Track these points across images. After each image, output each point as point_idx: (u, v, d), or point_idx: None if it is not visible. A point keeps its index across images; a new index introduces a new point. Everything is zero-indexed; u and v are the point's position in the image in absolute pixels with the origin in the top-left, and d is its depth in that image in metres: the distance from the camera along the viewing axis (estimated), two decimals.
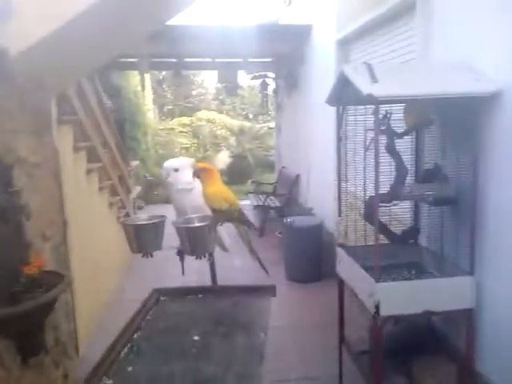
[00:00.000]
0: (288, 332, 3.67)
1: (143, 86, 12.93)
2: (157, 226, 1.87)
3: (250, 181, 10.56)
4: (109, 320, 3.66)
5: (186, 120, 14.51)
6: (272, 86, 8.94)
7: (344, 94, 2.60)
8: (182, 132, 14.08)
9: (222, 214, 1.88)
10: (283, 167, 8.00)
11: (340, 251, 2.79)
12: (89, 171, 4.09)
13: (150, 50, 6.69)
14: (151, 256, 1.83)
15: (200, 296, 1.84)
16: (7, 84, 1.95)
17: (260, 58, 7.93)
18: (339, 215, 2.82)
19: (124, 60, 7.84)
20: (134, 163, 8.46)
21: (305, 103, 6.32)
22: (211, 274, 1.94)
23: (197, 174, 1.86)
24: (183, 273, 2.12)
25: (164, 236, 1.92)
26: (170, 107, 16.96)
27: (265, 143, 13.11)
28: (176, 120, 14.79)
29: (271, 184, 8.36)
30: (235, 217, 1.96)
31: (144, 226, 1.87)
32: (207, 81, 18.23)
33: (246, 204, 7.33)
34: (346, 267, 2.72)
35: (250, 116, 16.66)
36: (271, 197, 7.31)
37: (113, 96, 8.76)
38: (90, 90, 4.48)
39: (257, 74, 8.40)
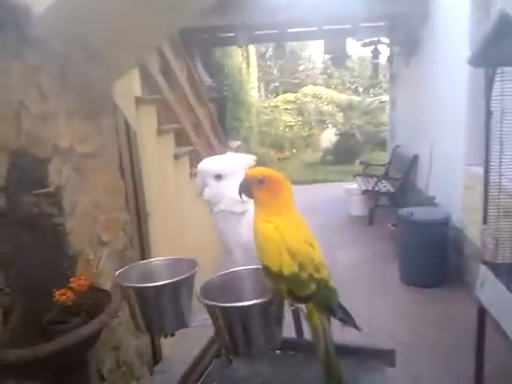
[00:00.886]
0: (406, 355, 2.95)
1: (248, 63, 12.62)
2: (176, 288, 1.08)
3: (358, 161, 9.65)
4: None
5: (290, 96, 13.88)
6: (386, 53, 7.88)
7: (499, 50, 1.78)
8: (286, 109, 13.50)
9: (283, 282, 0.96)
10: (397, 146, 7.01)
11: (484, 270, 2.00)
12: (177, 156, 3.70)
13: (249, 20, 6.19)
14: (172, 335, 1.14)
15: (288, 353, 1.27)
16: (36, 49, 1.52)
17: (371, 21, 6.97)
18: (485, 222, 2.02)
19: (224, 35, 7.46)
20: (236, 143, 8.13)
21: (428, 71, 5.30)
22: (295, 325, 1.10)
23: (246, 188, 1.01)
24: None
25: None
26: (276, 84, 16.43)
27: (376, 119, 11.93)
28: (281, 97, 14.23)
29: (383, 165, 7.42)
30: (312, 294, 0.97)
31: (152, 290, 1.08)
32: (314, 55, 17.32)
33: (353, 188, 6.56)
34: (492, 293, 1.94)
35: (360, 89, 15.44)
36: (383, 180, 6.42)
37: (215, 74, 8.48)
38: (178, 66, 4.10)
39: (368, 41, 7.41)
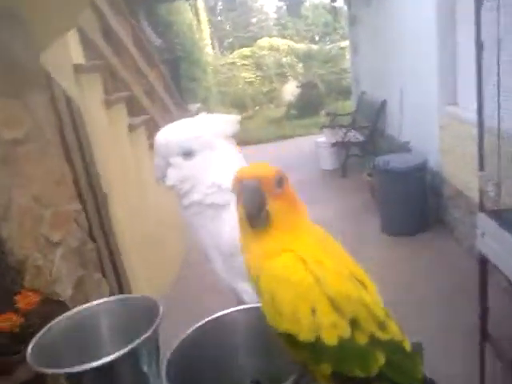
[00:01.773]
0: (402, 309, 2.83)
1: (198, 19, 11.90)
2: (131, 359, 0.68)
3: (323, 112, 9.39)
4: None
5: (246, 51, 13.30)
6: None
7: None
8: (244, 65, 12.96)
9: (324, 358, 0.56)
10: (363, 93, 6.77)
11: (484, 219, 1.83)
12: (132, 128, 3.33)
13: None
14: None
15: None
16: None
17: None
18: (481, 168, 1.82)
19: None
20: (195, 106, 7.71)
21: (392, 9, 5.00)
22: None
23: (260, 202, 0.59)
24: None
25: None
26: (230, 40, 15.73)
27: (337, 66, 11.61)
28: (236, 53, 13.63)
29: (349, 114, 7.20)
30: (380, 372, 0.57)
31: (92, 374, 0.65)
32: (267, 5, 16.62)
33: (322, 141, 6.34)
34: (495, 242, 1.78)
35: (316, 38, 14.98)
36: (352, 130, 6.21)
37: (163, 33, 7.89)
38: (121, 26, 3.65)
39: None
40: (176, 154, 0.87)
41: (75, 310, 0.83)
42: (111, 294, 2.05)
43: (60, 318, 0.81)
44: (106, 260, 2.33)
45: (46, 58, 2.03)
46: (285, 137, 9.14)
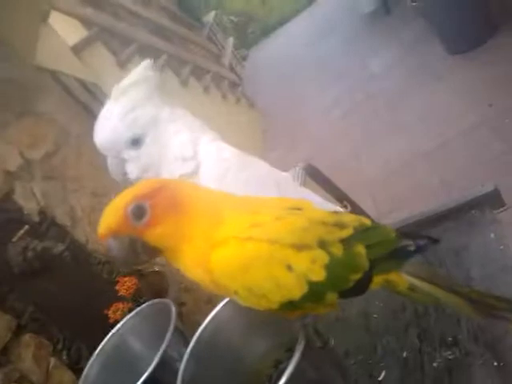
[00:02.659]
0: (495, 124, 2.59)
1: None
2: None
3: None
4: None
5: None
6: None
7: None
8: None
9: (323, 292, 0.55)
10: None
11: None
12: None
13: None
14: None
15: None
16: None
17: None
18: None
19: None
20: (210, 17, 7.25)
21: None
22: None
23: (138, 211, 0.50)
24: None
25: None
26: None
27: None
28: None
29: None
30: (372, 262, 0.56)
31: None
32: None
33: None
34: None
35: None
36: None
37: None
38: None
39: None
40: (125, 148, 0.79)
41: (103, 342, 0.88)
42: None
43: (93, 358, 0.87)
44: None
45: (41, 56, 2.02)
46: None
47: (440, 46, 3.69)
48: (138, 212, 0.49)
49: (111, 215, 0.50)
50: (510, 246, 0.87)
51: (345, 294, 0.57)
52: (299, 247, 0.53)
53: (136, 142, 0.79)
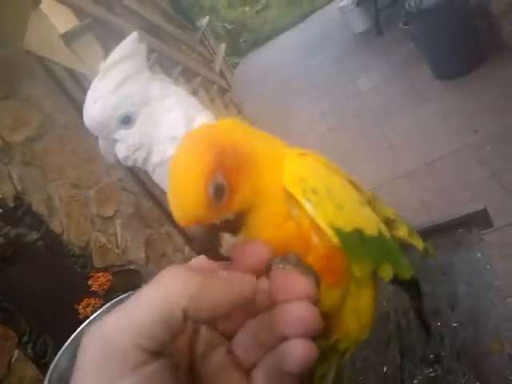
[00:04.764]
0: (473, 149, 2.64)
1: None
2: None
3: None
4: None
5: None
6: None
7: None
8: None
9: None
10: None
11: None
12: None
13: None
14: None
15: None
16: None
17: None
18: None
19: None
20: (204, 21, 7.25)
21: None
22: None
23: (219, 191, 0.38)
24: None
25: None
26: None
27: None
28: None
29: None
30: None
31: None
32: None
33: (346, 4, 5.76)
34: None
35: None
36: None
37: None
38: None
39: None
40: (116, 128, 0.73)
41: (75, 332, 0.84)
42: (187, 240, 2.12)
43: (63, 348, 0.82)
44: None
45: (30, 41, 1.96)
46: (306, 14, 8.47)
47: (428, 70, 3.77)
48: (219, 192, 0.39)
49: (193, 202, 0.39)
50: (495, 266, 0.87)
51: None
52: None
53: (127, 121, 0.72)
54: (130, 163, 0.76)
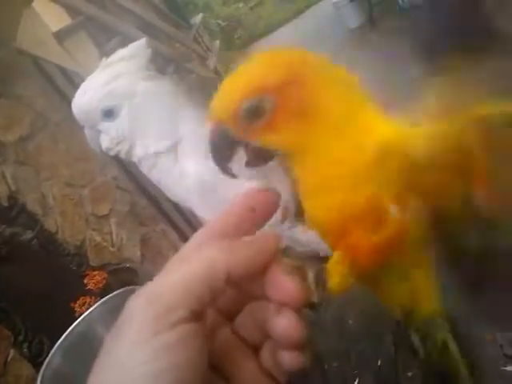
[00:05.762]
0: None
1: None
2: None
3: None
4: None
5: None
6: None
7: None
8: None
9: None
10: None
11: None
12: None
13: None
14: None
15: None
16: None
17: None
18: None
19: None
20: (198, 18, 7.23)
21: None
22: None
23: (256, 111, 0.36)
24: None
25: None
26: None
27: None
28: None
29: None
30: None
31: None
32: None
33: (338, 1, 5.76)
34: None
35: None
36: None
37: None
38: None
39: None
40: (100, 120, 0.75)
41: (69, 329, 0.83)
42: (182, 238, 2.11)
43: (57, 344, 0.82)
44: (167, 208, 2.40)
45: (22, 40, 1.95)
46: (300, 11, 8.46)
47: (422, 65, 3.77)
48: (255, 112, 0.35)
49: (223, 106, 0.37)
50: None
51: None
52: None
53: (109, 114, 0.74)
54: (113, 154, 0.78)
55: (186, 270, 0.28)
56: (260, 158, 0.41)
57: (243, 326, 0.33)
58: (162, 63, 3.68)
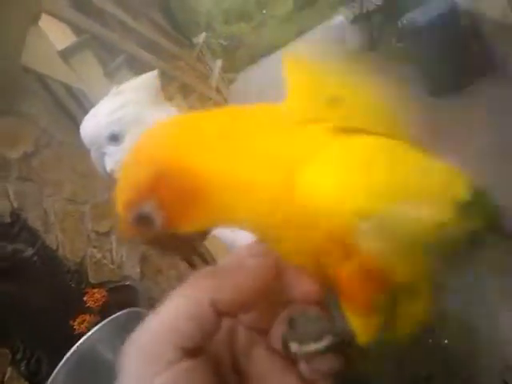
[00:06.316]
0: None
1: None
2: None
3: None
4: None
5: None
6: None
7: None
8: None
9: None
10: None
11: None
12: None
13: None
14: None
15: None
16: None
17: None
18: None
19: None
20: (201, 37, 7.34)
21: None
22: None
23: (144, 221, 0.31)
24: None
25: None
26: None
27: None
28: None
29: None
30: None
31: None
32: None
33: (339, 23, 5.86)
34: None
35: None
36: None
37: None
38: None
39: None
40: (105, 144, 0.80)
41: (72, 350, 0.83)
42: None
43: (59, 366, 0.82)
44: None
45: (28, 57, 1.98)
46: (301, 32, 8.59)
47: (421, 86, 3.82)
48: (145, 220, 0.32)
49: (120, 224, 0.34)
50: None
51: None
52: None
53: (115, 138, 0.79)
54: (117, 176, 0.81)
55: (170, 310, 0.28)
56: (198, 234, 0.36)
57: (276, 338, 0.33)
58: (164, 81, 3.72)
